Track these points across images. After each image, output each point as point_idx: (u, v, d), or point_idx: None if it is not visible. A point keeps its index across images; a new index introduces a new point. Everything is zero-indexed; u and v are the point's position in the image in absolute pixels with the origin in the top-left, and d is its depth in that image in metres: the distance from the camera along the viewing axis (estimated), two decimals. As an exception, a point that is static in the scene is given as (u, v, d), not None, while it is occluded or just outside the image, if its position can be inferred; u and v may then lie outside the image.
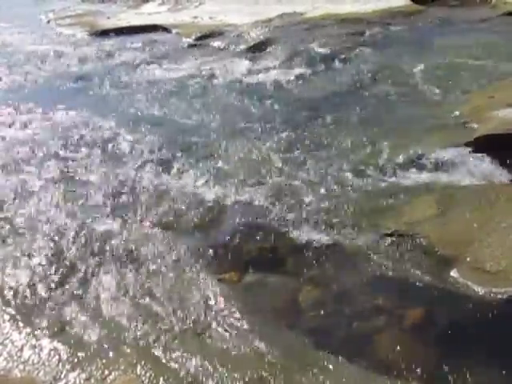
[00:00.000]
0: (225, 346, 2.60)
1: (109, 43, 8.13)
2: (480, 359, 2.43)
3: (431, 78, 5.38)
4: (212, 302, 2.88)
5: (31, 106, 5.74)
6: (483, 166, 3.75)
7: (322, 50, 6.55)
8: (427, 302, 2.78)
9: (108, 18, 9.75)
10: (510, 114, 4.34)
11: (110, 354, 2.59)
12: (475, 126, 4.30)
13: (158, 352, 2.59)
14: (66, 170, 4.37)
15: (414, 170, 3.84)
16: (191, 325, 2.75)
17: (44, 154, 4.66)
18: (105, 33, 8.65)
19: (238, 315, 2.77)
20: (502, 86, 4.96)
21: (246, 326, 2.70)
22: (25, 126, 5.27)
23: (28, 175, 4.30)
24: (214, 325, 2.73)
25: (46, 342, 2.69)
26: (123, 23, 9.07)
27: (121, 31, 8.59)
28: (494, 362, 2.41)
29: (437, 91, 5.05)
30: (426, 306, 2.76)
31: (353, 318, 2.73)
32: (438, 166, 3.84)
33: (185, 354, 2.57)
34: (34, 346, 2.68)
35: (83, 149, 4.71)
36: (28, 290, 3.05)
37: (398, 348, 2.52)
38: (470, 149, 3.97)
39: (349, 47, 6.62)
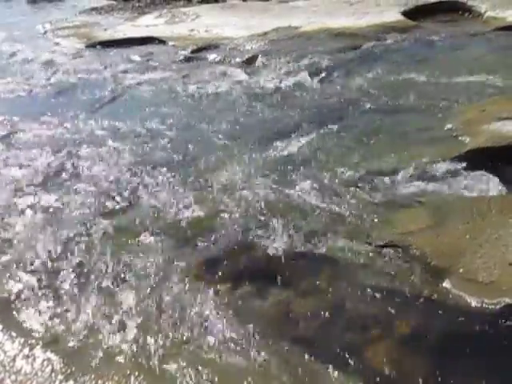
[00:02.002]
0: (219, 357, 2.60)
1: (105, 54, 8.18)
2: (473, 370, 2.45)
3: (423, 92, 5.44)
4: (206, 313, 2.88)
5: (19, 117, 5.77)
6: (475, 179, 3.80)
7: (316, 64, 6.61)
8: (420, 313, 2.80)
9: (105, 29, 9.81)
10: (501, 127, 4.40)
11: (104, 364, 2.59)
12: (467, 139, 4.35)
13: (151, 363, 2.59)
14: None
15: (406, 182, 3.88)
16: (185, 335, 2.75)
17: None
18: (102, 44, 8.71)
19: (231, 326, 2.78)
20: (493, 100, 5.03)
21: (239, 337, 2.71)
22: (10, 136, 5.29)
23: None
24: (207, 335, 2.73)
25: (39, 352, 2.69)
26: (120, 35, 9.13)
27: (118, 43, 8.65)
28: (487, 373, 2.43)
29: (429, 105, 5.11)
30: (418, 317, 2.77)
31: (345, 329, 2.74)
32: (430, 179, 3.88)
33: (179, 365, 2.57)
34: (27, 356, 2.68)
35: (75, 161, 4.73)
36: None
37: (391, 360, 2.53)
38: (461, 162, 4.02)
39: (343, 61, 6.69)
